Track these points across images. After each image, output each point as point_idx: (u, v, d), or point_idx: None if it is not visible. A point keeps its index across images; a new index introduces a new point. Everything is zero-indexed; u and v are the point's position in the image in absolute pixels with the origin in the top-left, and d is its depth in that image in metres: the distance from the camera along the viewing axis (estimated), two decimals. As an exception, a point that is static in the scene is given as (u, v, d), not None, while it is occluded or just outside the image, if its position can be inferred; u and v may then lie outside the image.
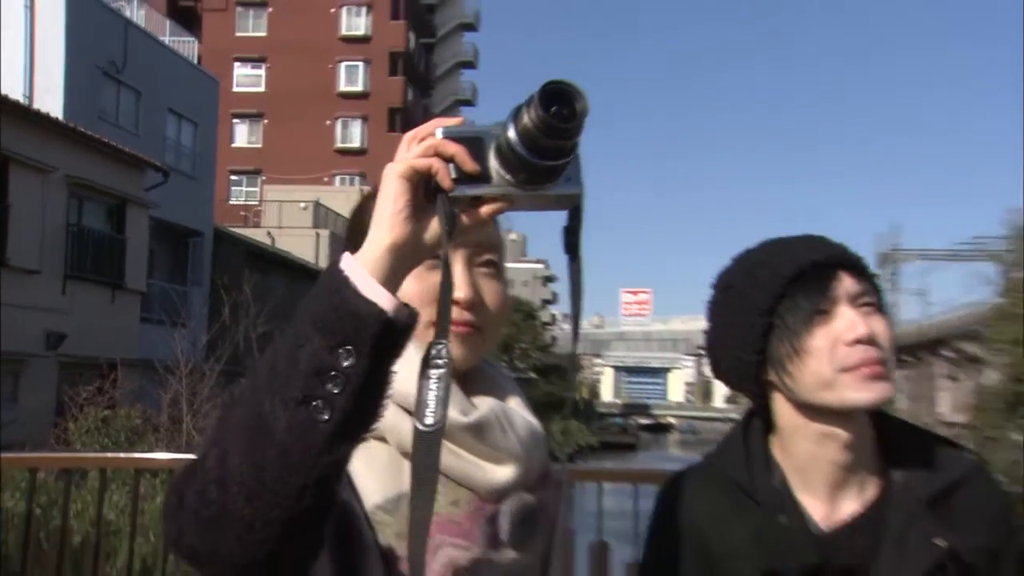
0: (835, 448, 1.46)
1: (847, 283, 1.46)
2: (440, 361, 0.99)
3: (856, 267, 1.49)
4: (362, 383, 0.94)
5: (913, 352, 61.04)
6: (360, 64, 52.10)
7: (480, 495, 1.21)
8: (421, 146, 1.02)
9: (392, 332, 0.97)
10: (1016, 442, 29.32)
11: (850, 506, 1.48)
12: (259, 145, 50.41)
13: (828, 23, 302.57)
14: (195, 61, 31.24)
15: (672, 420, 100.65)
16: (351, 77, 52.13)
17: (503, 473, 1.22)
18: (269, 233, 34.93)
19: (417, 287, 1.21)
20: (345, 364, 0.94)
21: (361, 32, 52.26)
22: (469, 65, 62.91)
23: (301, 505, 0.95)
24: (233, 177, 47.31)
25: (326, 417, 0.93)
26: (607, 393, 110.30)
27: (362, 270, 0.98)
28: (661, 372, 77.01)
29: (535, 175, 1.01)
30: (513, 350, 30.54)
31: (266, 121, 50.67)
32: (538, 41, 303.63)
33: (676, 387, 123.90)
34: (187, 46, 31.29)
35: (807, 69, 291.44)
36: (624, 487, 4.80)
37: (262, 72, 51.38)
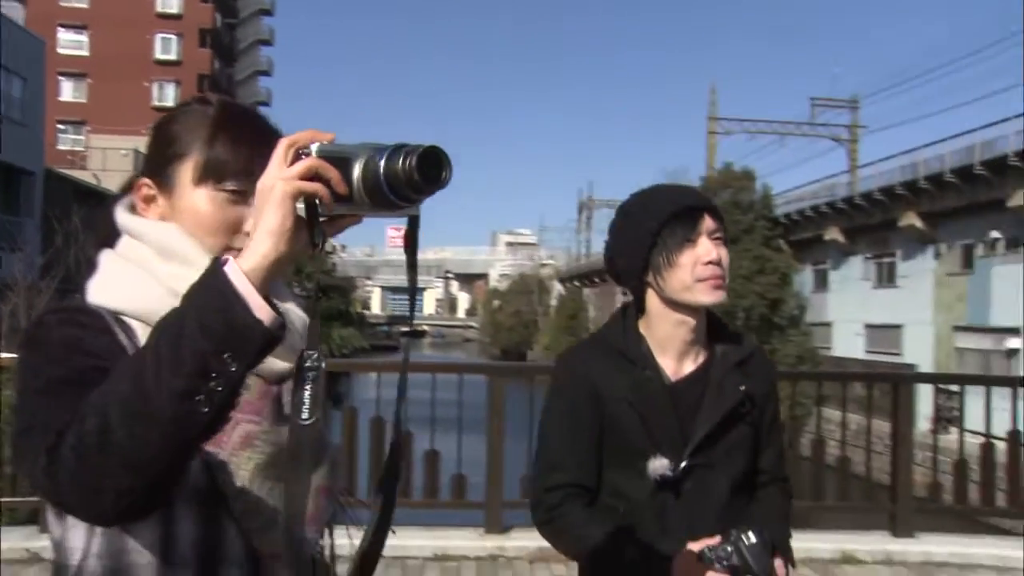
0: (685, 330, 1.64)
1: (708, 222, 1.61)
2: (312, 370, 0.92)
3: (714, 211, 1.63)
4: (238, 382, 0.87)
5: (600, 275, 64.80)
6: (174, 37, 48.47)
7: (265, 380, 1.12)
8: (303, 165, 0.90)
9: (270, 344, 0.89)
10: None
11: (690, 366, 1.67)
12: (84, 100, 45.69)
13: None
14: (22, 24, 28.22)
15: (426, 328, 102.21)
16: (166, 47, 48.43)
17: (283, 363, 1.10)
18: (95, 175, 32.30)
19: (219, 215, 1.10)
20: (230, 369, 0.86)
21: (174, 11, 48.65)
22: (266, 43, 59.92)
23: (173, 475, 0.90)
24: (60, 126, 42.72)
25: (206, 410, 0.85)
26: (376, 307, 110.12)
27: (249, 286, 0.87)
28: (418, 291, 77.65)
29: (388, 206, 0.92)
30: (302, 273, 30.17)
31: (90, 80, 46.03)
32: (326, 25, 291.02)
33: (429, 302, 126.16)
34: (14, 11, 28.14)
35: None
36: (392, 376, 4.87)
37: (85, 38, 46.56)
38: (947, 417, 9.28)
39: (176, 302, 0.89)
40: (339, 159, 0.90)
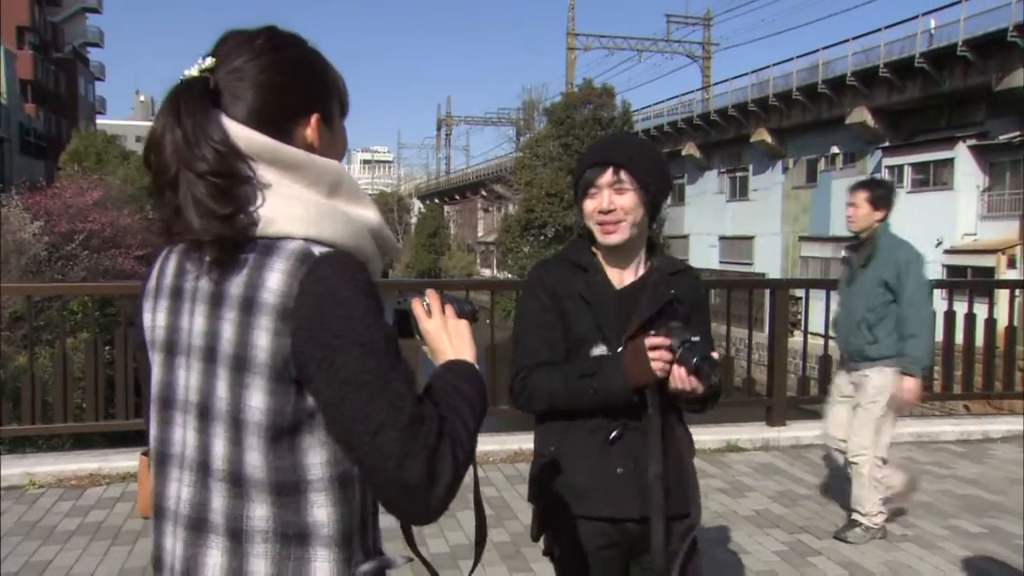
0: (616, 251, 1.98)
1: (607, 175, 1.92)
2: None
3: (620, 163, 1.92)
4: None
5: (461, 192, 64.91)
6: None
7: None
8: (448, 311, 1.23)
9: None
10: (526, 252, 33.17)
11: (631, 276, 2.00)
12: None
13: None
14: None
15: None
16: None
17: None
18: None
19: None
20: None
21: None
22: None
23: None
24: None
25: None
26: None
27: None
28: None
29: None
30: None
31: None
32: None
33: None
34: None
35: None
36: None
37: None
38: (792, 321, 10.39)
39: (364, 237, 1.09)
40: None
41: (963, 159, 22.44)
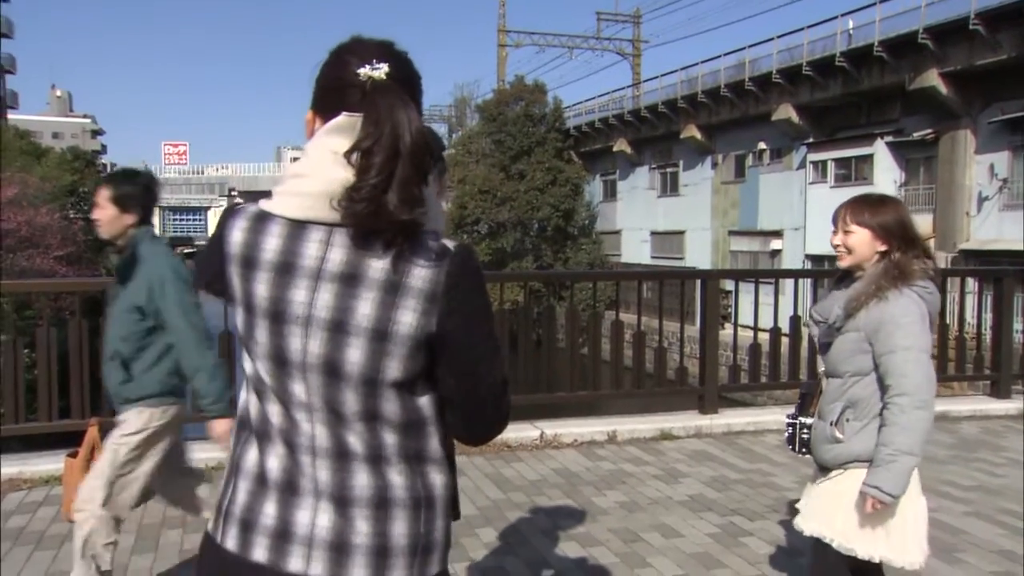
0: None
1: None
2: None
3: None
4: None
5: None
6: None
7: None
8: None
9: None
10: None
11: None
12: None
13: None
14: None
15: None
16: None
17: None
18: None
19: None
20: None
21: None
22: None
23: None
24: None
25: None
26: (157, 230, 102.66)
27: None
28: (201, 210, 73.38)
29: None
30: (77, 193, 27.78)
31: None
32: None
33: (213, 221, 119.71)
34: None
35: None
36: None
37: None
38: (723, 314, 10.67)
39: None
40: None
41: (882, 155, 23.25)
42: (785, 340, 6.37)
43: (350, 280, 1.22)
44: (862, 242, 2.44)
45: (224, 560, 1.30)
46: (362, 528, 1.26)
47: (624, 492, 4.65)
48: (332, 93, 1.29)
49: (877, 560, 2.39)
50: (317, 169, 1.24)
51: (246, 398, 1.34)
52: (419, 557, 1.30)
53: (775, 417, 6.07)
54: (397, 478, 1.29)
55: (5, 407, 4.99)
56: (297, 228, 1.24)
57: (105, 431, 3.19)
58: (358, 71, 1.25)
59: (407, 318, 1.22)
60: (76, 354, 5.02)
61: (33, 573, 3.51)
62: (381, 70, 1.25)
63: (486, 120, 37.39)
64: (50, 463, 4.70)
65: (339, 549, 1.26)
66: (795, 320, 6.33)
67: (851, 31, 24.12)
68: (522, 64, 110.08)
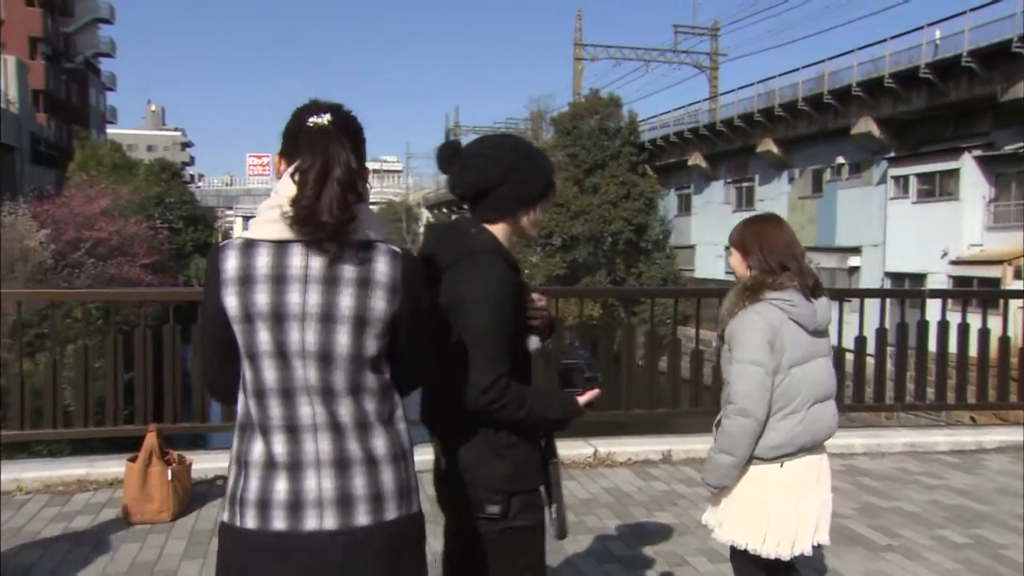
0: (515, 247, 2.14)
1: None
2: None
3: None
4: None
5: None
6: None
7: None
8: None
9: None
10: (533, 261, 33.13)
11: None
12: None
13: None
14: None
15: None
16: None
17: None
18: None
19: None
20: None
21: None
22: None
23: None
24: None
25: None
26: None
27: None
28: (283, 220, 75.91)
29: None
30: (164, 203, 28.88)
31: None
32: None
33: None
34: None
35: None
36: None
37: None
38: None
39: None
40: None
41: (969, 169, 22.35)
42: (850, 358, 6.16)
43: (331, 281, 1.54)
44: (736, 262, 2.74)
45: (245, 539, 1.56)
46: (360, 483, 1.57)
47: (674, 514, 4.55)
48: (291, 139, 1.64)
49: (742, 547, 2.66)
50: (285, 200, 1.54)
51: (245, 404, 1.60)
52: (404, 498, 1.63)
53: (833, 440, 5.85)
54: (380, 439, 1.61)
55: (76, 409, 5.19)
56: (281, 247, 1.55)
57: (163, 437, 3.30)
58: (308, 121, 1.63)
59: (379, 304, 1.57)
60: (169, 360, 5.16)
61: (90, 573, 3.64)
62: (324, 118, 1.63)
63: (561, 133, 37.38)
64: (116, 466, 4.86)
65: (344, 503, 1.56)
66: (860, 340, 6.12)
67: (938, 42, 23.32)
68: (598, 78, 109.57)
